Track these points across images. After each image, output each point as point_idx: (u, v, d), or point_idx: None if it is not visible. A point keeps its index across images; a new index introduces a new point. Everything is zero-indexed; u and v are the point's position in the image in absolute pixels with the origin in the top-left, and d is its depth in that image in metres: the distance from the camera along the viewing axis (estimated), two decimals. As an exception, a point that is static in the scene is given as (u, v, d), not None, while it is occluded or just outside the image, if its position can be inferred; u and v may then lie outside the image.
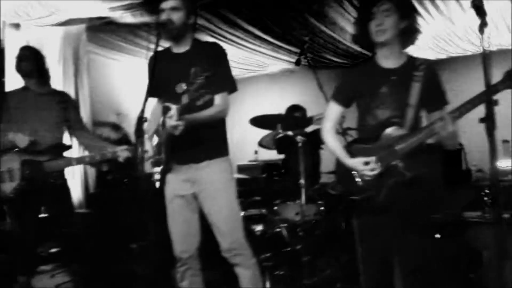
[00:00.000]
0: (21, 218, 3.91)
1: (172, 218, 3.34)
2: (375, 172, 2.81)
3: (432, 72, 2.88)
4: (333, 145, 3.05)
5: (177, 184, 3.30)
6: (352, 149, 2.97)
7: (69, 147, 4.09)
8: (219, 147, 3.29)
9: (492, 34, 6.64)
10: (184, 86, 3.06)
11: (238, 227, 3.26)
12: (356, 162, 2.87)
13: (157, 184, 3.32)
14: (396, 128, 2.82)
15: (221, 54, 3.28)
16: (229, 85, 3.25)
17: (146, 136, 3.24)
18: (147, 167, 3.27)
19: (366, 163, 2.82)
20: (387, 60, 2.91)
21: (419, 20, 2.97)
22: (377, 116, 2.89)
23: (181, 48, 3.31)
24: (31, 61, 4.03)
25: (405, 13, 2.84)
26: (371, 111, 2.92)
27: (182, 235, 3.30)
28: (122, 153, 3.73)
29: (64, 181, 4.09)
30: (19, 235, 3.90)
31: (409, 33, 2.87)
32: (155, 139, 3.32)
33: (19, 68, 4.04)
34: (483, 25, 2.26)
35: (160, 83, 3.31)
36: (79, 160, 3.95)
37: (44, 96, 4.05)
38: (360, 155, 2.88)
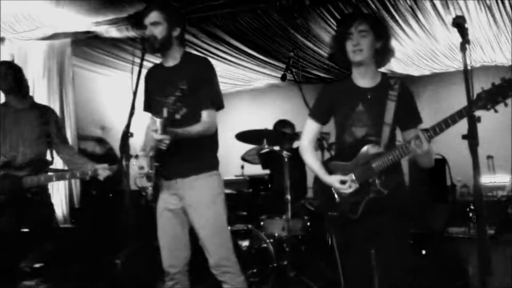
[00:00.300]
0: (2, 234, 3.86)
1: (161, 232, 3.32)
2: (351, 190, 2.87)
3: (406, 91, 2.95)
4: (311, 162, 3.09)
5: (167, 198, 3.30)
6: (330, 166, 3.03)
7: (50, 162, 4.06)
8: (206, 162, 3.27)
9: (475, 50, 6.74)
10: (164, 100, 3.09)
11: (225, 244, 3.23)
12: (333, 180, 2.92)
13: (149, 199, 3.31)
14: (372, 145, 2.87)
15: (209, 70, 3.29)
16: (216, 102, 3.26)
17: (142, 152, 3.25)
18: (142, 182, 3.27)
19: (343, 182, 2.88)
20: (363, 79, 2.98)
21: (393, 41, 3.04)
22: (354, 134, 2.95)
23: (171, 62, 3.32)
24: (9, 77, 4.00)
25: (381, 33, 2.92)
26: (347, 128, 2.97)
27: (170, 249, 3.27)
28: (103, 171, 3.71)
29: (46, 196, 4.06)
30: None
31: (384, 53, 2.95)
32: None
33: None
34: (465, 43, 2.30)
35: (152, 97, 3.33)
36: (59, 177, 3.91)
37: (24, 111, 4.02)
38: (338, 171, 2.94)
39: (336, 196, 2.95)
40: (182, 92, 2.94)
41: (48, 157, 4.07)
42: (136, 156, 3.25)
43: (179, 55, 3.32)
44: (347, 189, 2.87)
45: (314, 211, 4.95)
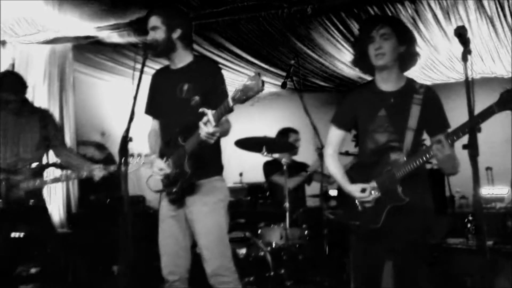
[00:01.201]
0: None
1: (162, 238, 3.27)
2: (371, 199, 2.81)
3: (433, 95, 2.88)
4: (334, 171, 3.05)
5: (169, 204, 3.25)
6: (352, 174, 2.97)
7: (47, 166, 4.08)
8: (209, 167, 3.20)
9: (476, 62, 6.74)
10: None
11: (224, 252, 3.15)
12: (353, 189, 2.87)
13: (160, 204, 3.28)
14: (394, 152, 2.81)
15: (218, 73, 3.26)
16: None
17: (154, 155, 3.22)
18: (157, 184, 3.23)
19: (363, 190, 2.82)
20: (386, 83, 2.92)
21: (417, 46, 2.97)
22: (376, 140, 2.89)
23: (178, 64, 3.31)
24: (12, 88, 4.01)
25: (404, 37, 2.86)
26: (370, 134, 2.92)
27: (171, 256, 3.22)
28: (98, 172, 3.73)
29: (42, 202, 4.07)
30: None
31: (408, 57, 2.88)
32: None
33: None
34: (466, 53, 2.28)
35: (157, 99, 3.31)
36: (55, 180, 3.94)
37: (24, 116, 4.03)
38: (360, 179, 2.88)
39: (358, 205, 2.89)
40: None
41: (45, 160, 4.08)
42: (139, 156, 3.24)
43: (188, 57, 3.31)
44: (367, 197, 2.82)
45: (333, 220, 4.92)
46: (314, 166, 5.52)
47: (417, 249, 2.79)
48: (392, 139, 2.84)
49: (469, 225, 3.94)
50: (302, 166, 5.80)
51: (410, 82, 2.93)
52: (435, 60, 6.86)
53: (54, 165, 4.11)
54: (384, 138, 2.87)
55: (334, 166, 3.05)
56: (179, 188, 3.10)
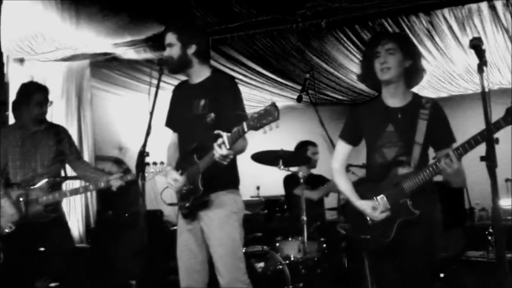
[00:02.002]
0: (17, 253, 3.90)
1: (179, 252, 3.28)
2: (383, 216, 2.83)
3: (438, 110, 2.90)
4: (342, 186, 3.07)
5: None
6: (360, 188, 2.99)
7: (65, 179, 4.13)
8: (224, 180, 3.18)
9: (492, 72, 6.70)
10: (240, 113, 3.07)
11: (237, 264, 3.14)
12: (365, 207, 2.89)
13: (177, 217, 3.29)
14: (403, 166, 2.83)
15: (235, 91, 3.27)
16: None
17: (169, 167, 3.24)
18: (171, 197, 3.23)
19: (374, 208, 2.85)
20: (393, 99, 2.94)
21: (423, 62, 3.00)
22: (384, 155, 2.92)
23: (195, 80, 3.34)
24: (44, 106, 4.09)
25: (409, 52, 2.88)
26: (378, 149, 2.94)
27: (188, 270, 3.22)
28: (115, 182, 3.78)
29: (61, 216, 4.12)
30: (15, 271, 3.89)
31: (413, 73, 2.90)
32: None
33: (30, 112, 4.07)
34: (482, 64, 2.28)
35: (175, 113, 3.35)
36: (73, 192, 3.98)
37: (40, 132, 4.09)
38: (369, 194, 2.90)
39: (368, 219, 2.91)
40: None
41: (62, 174, 4.13)
42: (155, 164, 3.25)
43: (204, 72, 3.32)
44: (378, 215, 2.84)
45: (336, 233, 4.90)
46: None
47: (428, 261, 2.82)
48: (400, 153, 2.87)
49: (489, 237, 3.89)
50: (320, 179, 5.79)
51: (416, 97, 2.96)
52: (452, 72, 6.83)
53: (72, 177, 4.16)
54: (393, 152, 2.89)
55: (343, 181, 3.09)
56: (191, 204, 3.13)
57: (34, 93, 4.06)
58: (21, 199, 3.84)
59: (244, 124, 2.67)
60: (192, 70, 3.31)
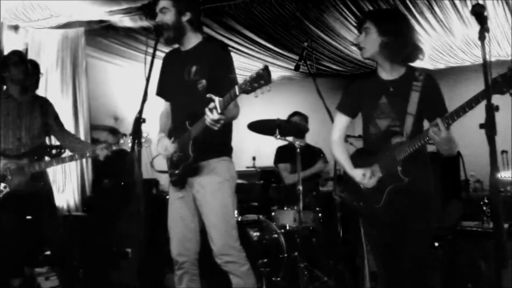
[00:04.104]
0: (6, 222, 3.92)
1: (170, 220, 3.29)
2: (372, 182, 2.93)
3: (431, 82, 2.95)
4: (339, 156, 3.16)
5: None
6: (358, 158, 3.08)
7: (51, 148, 4.14)
8: (217, 147, 3.19)
9: (491, 44, 6.65)
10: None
11: (229, 231, 3.15)
12: (356, 174, 2.99)
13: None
14: (396, 136, 2.89)
15: (227, 57, 3.25)
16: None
17: (162, 134, 3.25)
18: (159, 165, 3.21)
19: (364, 174, 2.94)
20: (386, 72, 3.01)
21: (418, 36, 3.02)
22: (378, 125, 3.00)
23: (187, 46, 3.30)
24: (21, 68, 4.09)
25: (385, 29, 2.90)
26: (372, 120, 3.03)
27: (179, 238, 3.23)
28: (101, 151, 3.78)
29: (47, 185, 4.16)
30: (5, 239, 3.92)
31: (392, 49, 2.90)
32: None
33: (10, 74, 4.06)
34: (483, 31, 2.26)
35: (167, 81, 3.34)
36: (59, 161, 3.99)
37: (27, 103, 4.10)
38: (364, 164, 2.99)
39: (362, 187, 2.99)
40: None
41: (47, 144, 4.14)
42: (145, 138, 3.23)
43: (195, 39, 3.29)
44: (367, 181, 2.93)
45: (341, 203, 4.93)
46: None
47: (418, 229, 2.88)
48: (393, 124, 2.94)
49: (484, 208, 3.92)
50: (318, 152, 5.78)
51: (410, 70, 2.99)
52: (451, 44, 6.79)
53: (58, 147, 4.16)
54: (386, 123, 2.97)
55: (339, 151, 3.16)
56: (181, 171, 3.13)
57: (10, 57, 4.10)
58: (7, 167, 3.86)
59: (236, 88, 2.65)
60: (185, 38, 3.27)
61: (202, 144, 3.04)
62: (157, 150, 3.24)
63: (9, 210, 3.87)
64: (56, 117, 4.29)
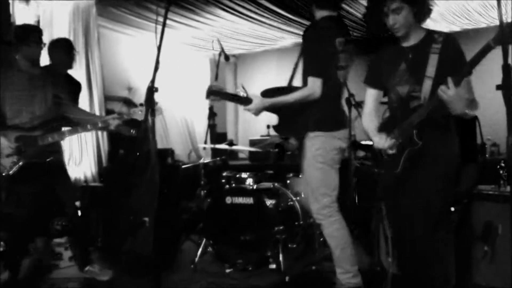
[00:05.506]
0: (21, 193, 3.97)
1: None
2: (389, 144, 2.95)
3: (451, 42, 2.88)
4: (366, 126, 3.23)
5: None
6: (384, 127, 3.12)
7: (63, 120, 4.15)
8: (310, 122, 3.50)
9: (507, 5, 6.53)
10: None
11: (328, 193, 3.55)
12: (375, 139, 3.06)
13: None
14: (414, 100, 2.90)
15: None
16: (317, 69, 3.44)
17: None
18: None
19: (381, 139, 3.00)
20: (407, 40, 3.00)
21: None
22: (398, 93, 3.01)
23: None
24: (40, 46, 4.08)
25: (413, 2, 2.88)
26: (393, 88, 3.05)
27: None
28: (113, 121, 3.80)
29: (60, 157, 4.18)
30: (18, 211, 3.97)
31: (422, 13, 2.94)
32: None
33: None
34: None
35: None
36: (72, 131, 4.01)
37: (37, 76, 4.08)
38: (389, 130, 3.01)
39: (383, 154, 3.04)
40: None
41: (59, 116, 4.14)
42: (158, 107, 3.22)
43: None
44: (384, 144, 2.97)
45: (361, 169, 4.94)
46: None
47: (434, 190, 2.89)
48: (412, 89, 2.93)
49: (501, 171, 3.87)
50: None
51: (429, 33, 2.96)
52: (467, 5, 6.67)
53: (69, 119, 4.17)
54: (405, 89, 2.97)
55: (367, 122, 3.24)
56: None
57: (29, 34, 4.03)
58: (20, 140, 3.88)
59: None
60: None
61: (300, 119, 3.61)
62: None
63: (24, 182, 3.90)
64: (65, 89, 4.26)
